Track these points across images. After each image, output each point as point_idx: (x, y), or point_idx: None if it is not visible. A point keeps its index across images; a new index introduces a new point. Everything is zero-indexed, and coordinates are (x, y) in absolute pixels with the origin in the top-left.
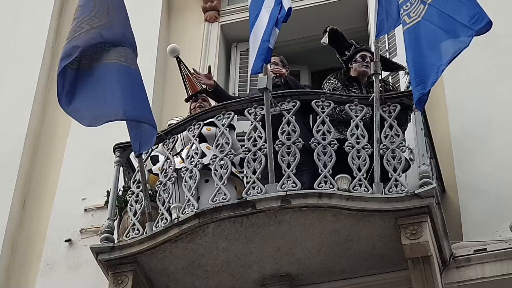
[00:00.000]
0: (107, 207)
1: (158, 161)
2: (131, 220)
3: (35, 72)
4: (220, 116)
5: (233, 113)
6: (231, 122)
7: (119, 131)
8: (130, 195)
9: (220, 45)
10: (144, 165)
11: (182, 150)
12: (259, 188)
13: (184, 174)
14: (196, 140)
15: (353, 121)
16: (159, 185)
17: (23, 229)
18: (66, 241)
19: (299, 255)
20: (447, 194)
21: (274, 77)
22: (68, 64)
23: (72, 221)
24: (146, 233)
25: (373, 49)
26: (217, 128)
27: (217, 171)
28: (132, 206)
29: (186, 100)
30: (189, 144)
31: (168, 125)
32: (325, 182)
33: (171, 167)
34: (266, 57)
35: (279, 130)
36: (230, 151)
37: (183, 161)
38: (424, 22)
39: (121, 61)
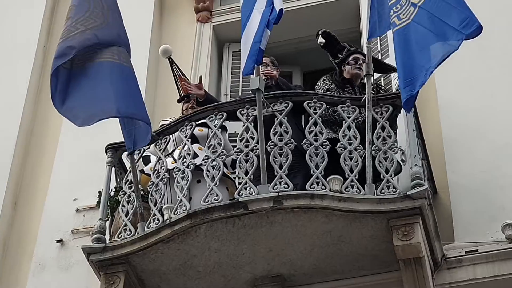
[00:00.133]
0: (98, 207)
1: (150, 162)
2: (123, 220)
3: (26, 71)
4: (212, 117)
5: (225, 113)
6: (223, 123)
7: (111, 131)
8: (122, 196)
9: (212, 46)
10: (136, 166)
11: (174, 150)
12: (251, 189)
13: (176, 174)
14: (188, 140)
15: (345, 122)
16: (151, 186)
17: (15, 229)
18: (58, 241)
19: (291, 256)
20: (439, 195)
21: (265, 79)
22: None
23: (64, 221)
24: (138, 233)
25: (365, 50)
26: (209, 129)
27: (209, 171)
28: (124, 206)
29: (178, 101)
30: (181, 144)
31: (160, 126)
32: (317, 183)
33: (163, 168)
34: (258, 58)
35: (271, 131)
36: (222, 152)
37: (175, 162)
38: (414, 24)
39: (114, 59)
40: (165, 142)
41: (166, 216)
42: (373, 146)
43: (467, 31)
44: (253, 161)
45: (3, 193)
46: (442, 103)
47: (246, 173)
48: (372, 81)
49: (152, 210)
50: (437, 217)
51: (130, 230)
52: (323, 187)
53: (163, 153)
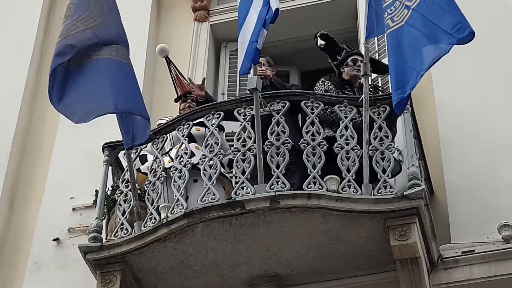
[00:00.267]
0: (95, 206)
1: (146, 161)
2: (120, 219)
3: (23, 70)
4: (209, 116)
5: (222, 113)
6: (221, 123)
7: (108, 130)
8: (118, 195)
9: (209, 45)
10: (133, 165)
11: (171, 149)
12: (248, 188)
13: (173, 173)
14: (185, 140)
15: (343, 122)
16: (148, 185)
17: (11, 227)
18: (54, 240)
19: (287, 256)
20: (436, 195)
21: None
22: None
23: (60, 220)
24: (134, 232)
25: (362, 50)
26: (206, 128)
27: (206, 171)
28: (121, 205)
29: (176, 100)
30: (178, 143)
31: (158, 125)
32: (314, 183)
33: (160, 167)
34: (254, 57)
35: (268, 131)
36: (220, 151)
37: (172, 161)
38: (407, 27)
39: (112, 56)
40: (162, 141)
41: (163, 215)
42: (370, 146)
43: (459, 35)
44: (250, 160)
45: None
46: (439, 104)
47: (243, 173)
48: (371, 84)
49: (149, 209)
50: (433, 217)
51: (126, 229)
52: (320, 187)
53: (160, 152)
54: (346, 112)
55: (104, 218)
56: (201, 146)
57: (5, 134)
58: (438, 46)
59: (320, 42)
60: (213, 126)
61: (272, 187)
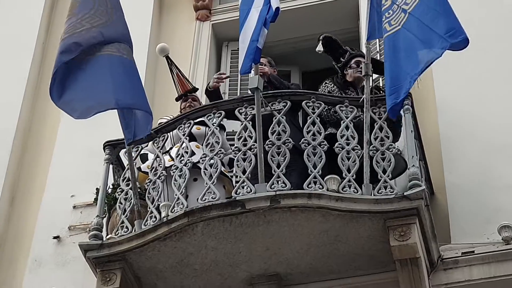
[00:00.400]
0: (96, 204)
1: (147, 160)
2: (120, 217)
3: (25, 68)
4: (210, 115)
5: (223, 112)
6: (222, 122)
7: (109, 128)
8: (119, 193)
9: (211, 44)
10: (134, 163)
11: (171, 148)
12: (248, 187)
13: (173, 172)
14: (186, 138)
15: (343, 122)
16: (148, 183)
17: (12, 225)
18: (55, 237)
19: (287, 255)
20: (436, 196)
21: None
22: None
23: (61, 218)
24: (135, 231)
25: (364, 50)
26: (207, 127)
27: (206, 170)
28: (121, 203)
29: (176, 99)
30: (178, 142)
31: (159, 124)
32: (315, 183)
33: (160, 166)
34: (255, 57)
35: (269, 130)
36: (220, 150)
37: (172, 160)
38: (403, 31)
39: (113, 52)
40: (163, 140)
41: (163, 214)
42: (371, 146)
43: (452, 40)
44: (251, 160)
45: (0, 189)
46: (440, 105)
47: (244, 172)
48: (373, 85)
49: (149, 208)
50: (433, 218)
51: (127, 227)
52: (321, 186)
53: (161, 150)
54: (347, 112)
55: (105, 216)
56: (202, 145)
57: (6, 131)
58: (432, 50)
59: (319, 48)
60: (214, 125)
61: (272, 186)
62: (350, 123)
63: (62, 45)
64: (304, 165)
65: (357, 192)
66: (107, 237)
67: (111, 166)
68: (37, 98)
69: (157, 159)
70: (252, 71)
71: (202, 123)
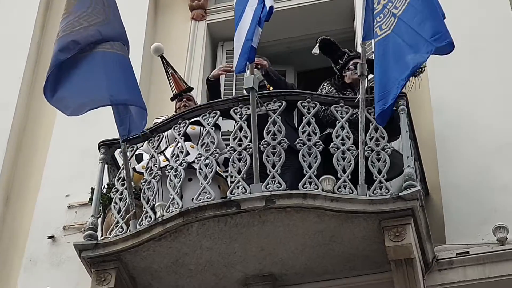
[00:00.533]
0: (91, 204)
1: (142, 160)
2: (115, 217)
3: (20, 67)
4: (206, 115)
5: (219, 112)
6: (217, 122)
7: (104, 127)
8: (114, 193)
9: (206, 44)
10: (129, 163)
11: (166, 148)
12: (243, 188)
13: (168, 172)
14: (181, 138)
15: (339, 122)
16: (143, 183)
17: (6, 225)
18: (49, 237)
19: (282, 256)
20: (431, 196)
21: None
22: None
23: (56, 217)
24: (130, 231)
25: (359, 50)
26: (202, 127)
27: (202, 170)
28: (116, 203)
29: (172, 99)
30: (173, 142)
31: (154, 124)
32: (310, 183)
33: (156, 165)
34: (250, 56)
35: (264, 130)
36: (216, 150)
37: (167, 160)
38: (393, 35)
39: (106, 48)
40: (158, 140)
41: (158, 214)
42: (366, 146)
43: (438, 44)
44: (246, 160)
45: None
46: (435, 105)
47: (239, 172)
48: (367, 82)
49: (144, 208)
50: (428, 218)
51: (122, 227)
52: (316, 187)
53: (156, 150)
54: (342, 113)
55: (100, 216)
56: (196, 145)
57: (1, 131)
58: (418, 54)
59: (315, 50)
60: (209, 125)
61: (267, 186)
62: (346, 123)
63: (59, 43)
64: (299, 165)
65: (352, 193)
66: (102, 237)
67: (106, 166)
68: (32, 98)
69: (152, 159)
70: (248, 71)
71: (197, 123)
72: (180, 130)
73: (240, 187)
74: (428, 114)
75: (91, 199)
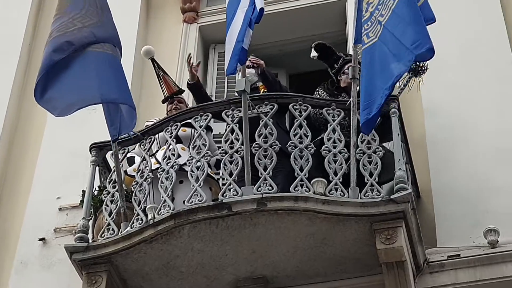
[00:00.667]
0: (82, 206)
1: (134, 163)
2: (106, 220)
3: (11, 69)
4: (197, 118)
5: (210, 114)
6: (208, 124)
7: (95, 129)
8: (105, 195)
9: (198, 46)
10: (120, 165)
11: (157, 151)
12: (235, 190)
13: (160, 175)
14: (173, 141)
15: (330, 125)
16: (135, 186)
17: None
18: (40, 240)
19: (274, 258)
20: (422, 199)
21: (251, 66)
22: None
23: (47, 219)
24: (121, 233)
25: (351, 53)
26: (193, 129)
27: (193, 172)
28: (108, 206)
29: (163, 101)
30: (164, 145)
31: (145, 126)
32: (301, 186)
33: (147, 168)
34: (241, 57)
35: (256, 133)
36: (207, 152)
37: (158, 163)
38: (379, 44)
39: (97, 48)
40: (149, 142)
41: (149, 216)
42: (358, 149)
43: (417, 51)
44: (238, 162)
45: None
46: (426, 107)
47: (231, 175)
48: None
49: (136, 210)
50: (420, 221)
51: (113, 229)
52: (307, 189)
53: (148, 153)
54: (334, 115)
55: (91, 219)
56: (187, 147)
57: None
58: (401, 63)
59: (313, 54)
60: (201, 128)
61: (259, 189)
62: (337, 126)
63: (53, 43)
64: (291, 168)
65: (344, 195)
66: (93, 239)
67: (97, 168)
68: (23, 99)
69: (144, 161)
70: (239, 74)
71: (188, 125)
72: (172, 133)
73: (231, 190)
74: (420, 117)
75: (82, 201)
